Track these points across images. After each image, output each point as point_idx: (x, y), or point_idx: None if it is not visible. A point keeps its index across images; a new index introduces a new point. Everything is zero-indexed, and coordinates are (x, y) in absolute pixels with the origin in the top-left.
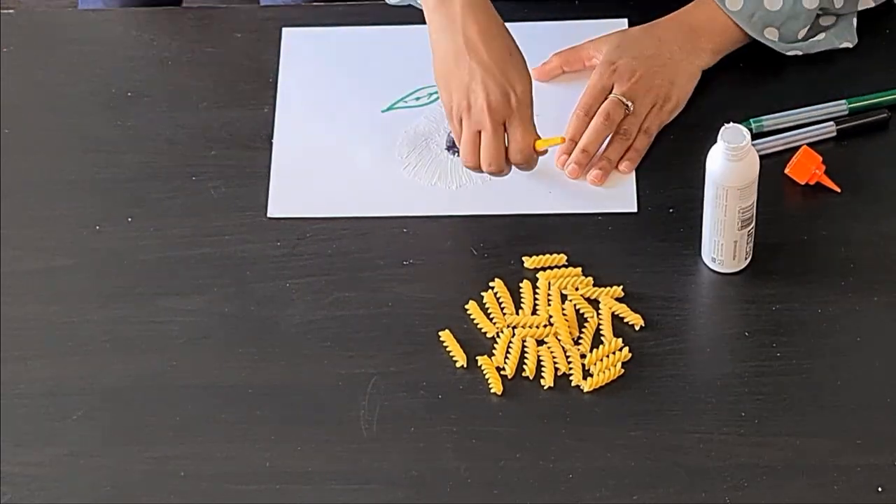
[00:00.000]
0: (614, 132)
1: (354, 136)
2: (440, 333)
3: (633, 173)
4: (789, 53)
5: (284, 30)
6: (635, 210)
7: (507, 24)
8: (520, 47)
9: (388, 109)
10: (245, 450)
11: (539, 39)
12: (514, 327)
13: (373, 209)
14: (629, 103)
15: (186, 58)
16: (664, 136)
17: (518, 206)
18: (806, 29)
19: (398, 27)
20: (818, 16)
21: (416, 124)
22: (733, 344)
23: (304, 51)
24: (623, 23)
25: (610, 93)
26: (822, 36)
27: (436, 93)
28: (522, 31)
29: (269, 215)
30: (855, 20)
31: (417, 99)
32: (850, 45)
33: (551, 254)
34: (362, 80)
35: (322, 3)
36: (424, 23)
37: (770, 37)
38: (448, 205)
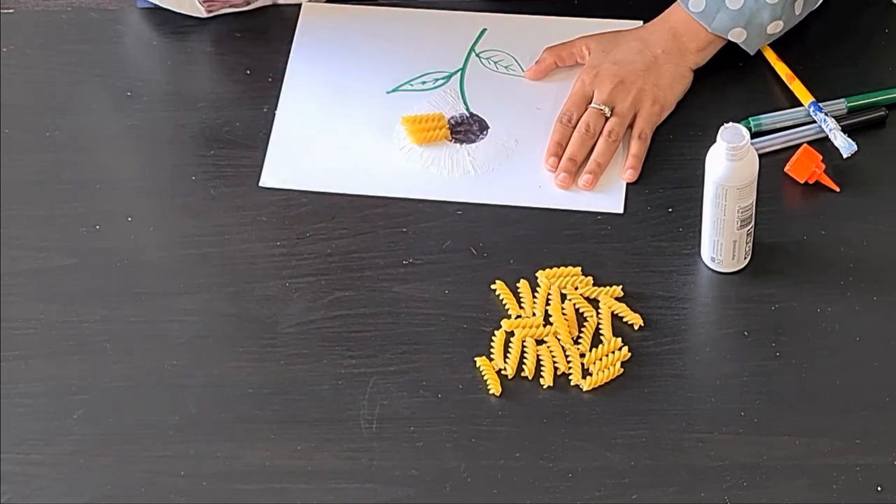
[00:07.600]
0: (600, 135)
1: (356, 113)
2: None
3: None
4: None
5: (304, 4)
6: (621, 211)
7: (520, 15)
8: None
9: (393, 91)
10: (245, 450)
11: (553, 35)
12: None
13: (365, 188)
14: (608, 110)
15: (186, 58)
16: (664, 136)
17: (507, 198)
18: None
19: (415, 10)
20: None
21: (418, 108)
22: (733, 344)
23: (319, 26)
24: (638, 24)
25: (591, 100)
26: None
27: (442, 79)
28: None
29: (261, 184)
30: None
31: (423, 83)
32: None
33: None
34: (372, 60)
35: None
36: (442, 7)
37: (735, 38)
38: (438, 191)
